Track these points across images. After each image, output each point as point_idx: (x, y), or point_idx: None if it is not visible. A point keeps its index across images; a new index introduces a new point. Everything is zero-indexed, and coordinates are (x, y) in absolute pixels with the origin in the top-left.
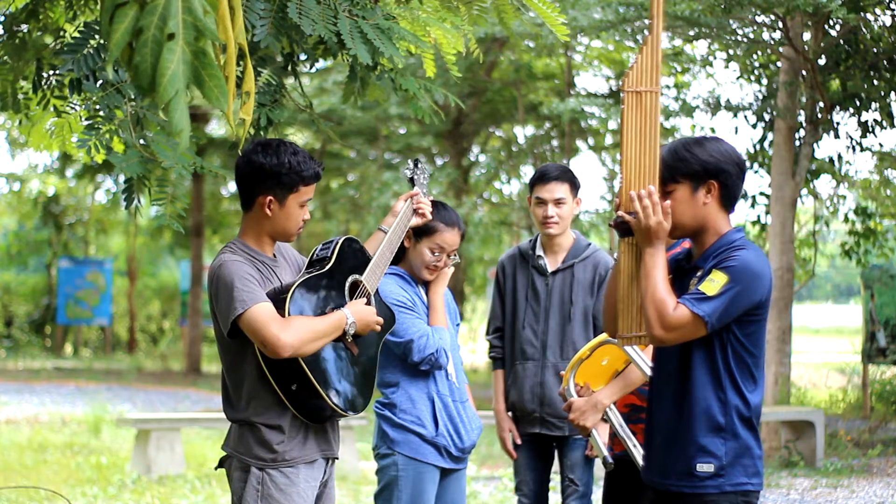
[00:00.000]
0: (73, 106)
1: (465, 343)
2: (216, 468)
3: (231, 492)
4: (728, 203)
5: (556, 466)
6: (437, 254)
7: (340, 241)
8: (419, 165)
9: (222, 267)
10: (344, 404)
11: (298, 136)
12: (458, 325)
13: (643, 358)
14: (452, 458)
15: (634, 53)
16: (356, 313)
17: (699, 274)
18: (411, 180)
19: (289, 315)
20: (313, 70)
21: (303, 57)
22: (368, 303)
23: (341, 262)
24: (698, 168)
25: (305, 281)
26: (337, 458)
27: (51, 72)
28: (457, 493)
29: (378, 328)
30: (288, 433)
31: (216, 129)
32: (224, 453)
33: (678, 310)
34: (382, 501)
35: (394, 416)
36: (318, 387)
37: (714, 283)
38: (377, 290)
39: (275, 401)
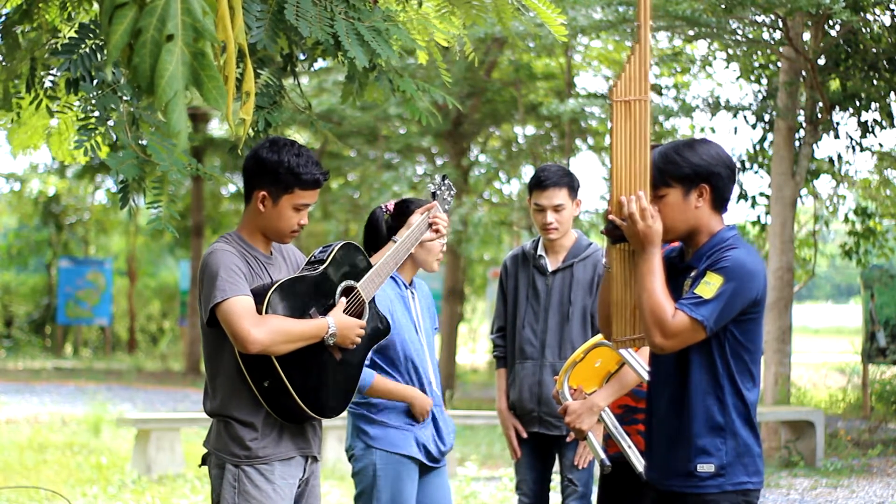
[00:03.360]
0: (69, 106)
1: (465, 343)
2: (200, 466)
3: (211, 488)
4: (720, 205)
5: (556, 466)
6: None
7: (338, 246)
8: (445, 181)
9: (212, 255)
10: (314, 407)
11: (298, 137)
12: (436, 329)
13: (637, 359)
14: (432, 458)
15: (623, 61)
16: (339, 324)
17: (693, 274)
18: (433, 194)
19: (266, 311)
20: (312, 70)
21: (301, 57)
22: (362, 311)
23: (335, 266)
24: (689, 172)
25: (292, 280)
26: (317, 458)
27: (44, 72)
28: (441, 489)
29: (357, 342)
30: (261, 430)
31: (216, 129)
32: (207, 452)
33: (677, 316)
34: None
35: (372, 414)
36: (288, 386)
37: (710, 285)
38: (373, 298)
39: (249, 396)
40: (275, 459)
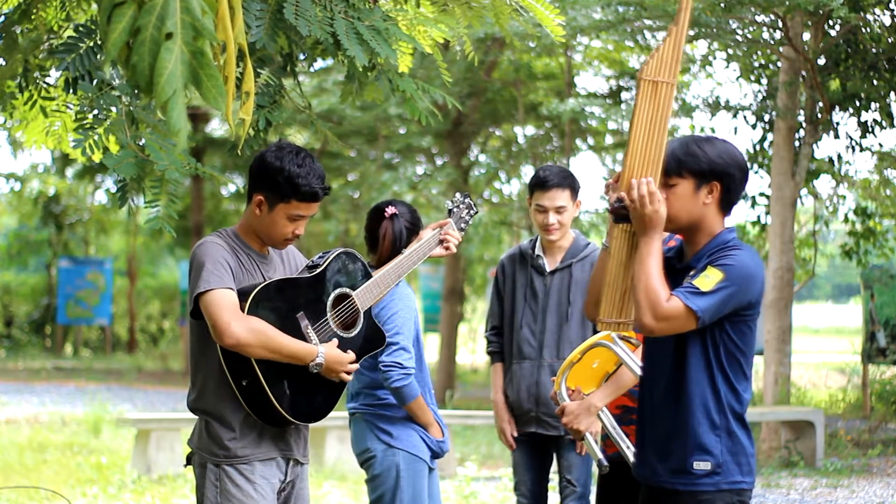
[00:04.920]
0: (68, 105)
1: (465, 343)
2: (185, 465)
3: (196, 487)
4: (727, 206)
5: (555, 466)
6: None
7: (336, 253)
8: (466, 200)
9: (201, 247)
10: (291, 410)
11: (298, 137)
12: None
13: (633, 359)
14: (436, 457)
15: (657, 43)
16: (329, 357)
17: (692, 273)
18: (450, 212)
19: (249, 308)
20: (312, 70)
21: (301, 57)
22: (355, 320)
23: (331, 273)
24: (706, 167)
25: (281, 281)
26: (301, 462)
27: (38, 72)
28: (436, 490)
29: (346, 378)
30: (239, 431)
31: (216, 129)
32: (191, 451)
33: (671, 301)
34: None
35: (393, 413)
36: (265, 387)
37: (709, 279)
38: (369, 309)
39: (230, 395)
40: (255, 459)
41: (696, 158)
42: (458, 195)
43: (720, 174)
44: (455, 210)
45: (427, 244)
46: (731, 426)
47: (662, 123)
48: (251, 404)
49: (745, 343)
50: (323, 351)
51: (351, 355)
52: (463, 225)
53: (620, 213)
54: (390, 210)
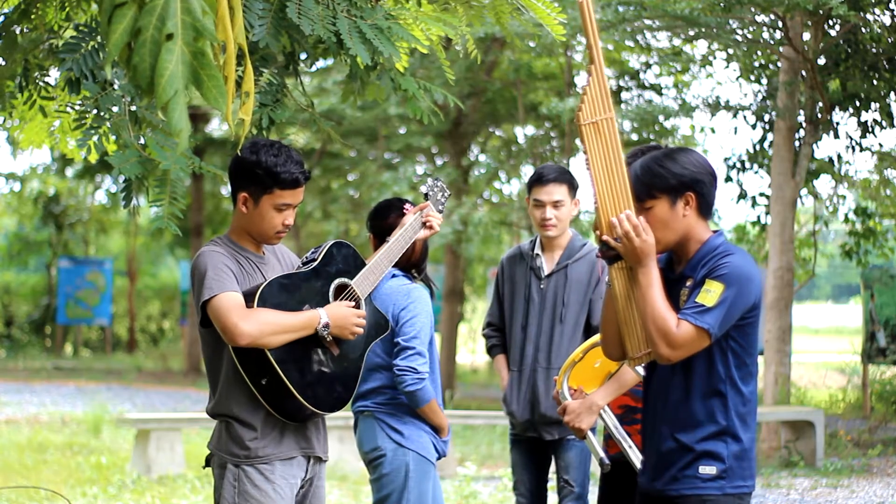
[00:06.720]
0: (70, 106)
1: (466, 343)
2: (204, 467)
3: (214, 488)
4: (706, 211)
5: (554, 466)
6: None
7: (329, 245)
8: (438, 183)
9: (200, 256)
10: (314, 402)
11: (299, 136)
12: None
13: None
14: (439, 458)
15: (581, 88)
16: (333, 316)
17: (689, 284)
18: (426, 195)
19: (256, 307)
20: (314, 69)
21: (303, 56)
22: (357, 308)
23: (327, 265)
24: (675, 182)
25: (283, 278)
26: (322, 458)
27: (38, 72)
28: (439, 490)
29: (358, 332)
30: (261, 430)
31: (216, 129)
32: (210, 453)
33: (681, 326)
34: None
35: (403, 413)
36: (286, 381)
37: (711, 293)
38: (370, 295)
39: (248, 396)
40: (275, 459)
41: (663, 177)
42: (430, 180)
43: (690, 184)
44: (430, 193)
45: (411, 227)
46: (737, 429)
47: (617, 155)
48: (272, 402)
49: (751, 344)
50: (325, 312)
51: (358, 310)
52: (440, 207)
53: (610, 255)
54: (410, 208)
